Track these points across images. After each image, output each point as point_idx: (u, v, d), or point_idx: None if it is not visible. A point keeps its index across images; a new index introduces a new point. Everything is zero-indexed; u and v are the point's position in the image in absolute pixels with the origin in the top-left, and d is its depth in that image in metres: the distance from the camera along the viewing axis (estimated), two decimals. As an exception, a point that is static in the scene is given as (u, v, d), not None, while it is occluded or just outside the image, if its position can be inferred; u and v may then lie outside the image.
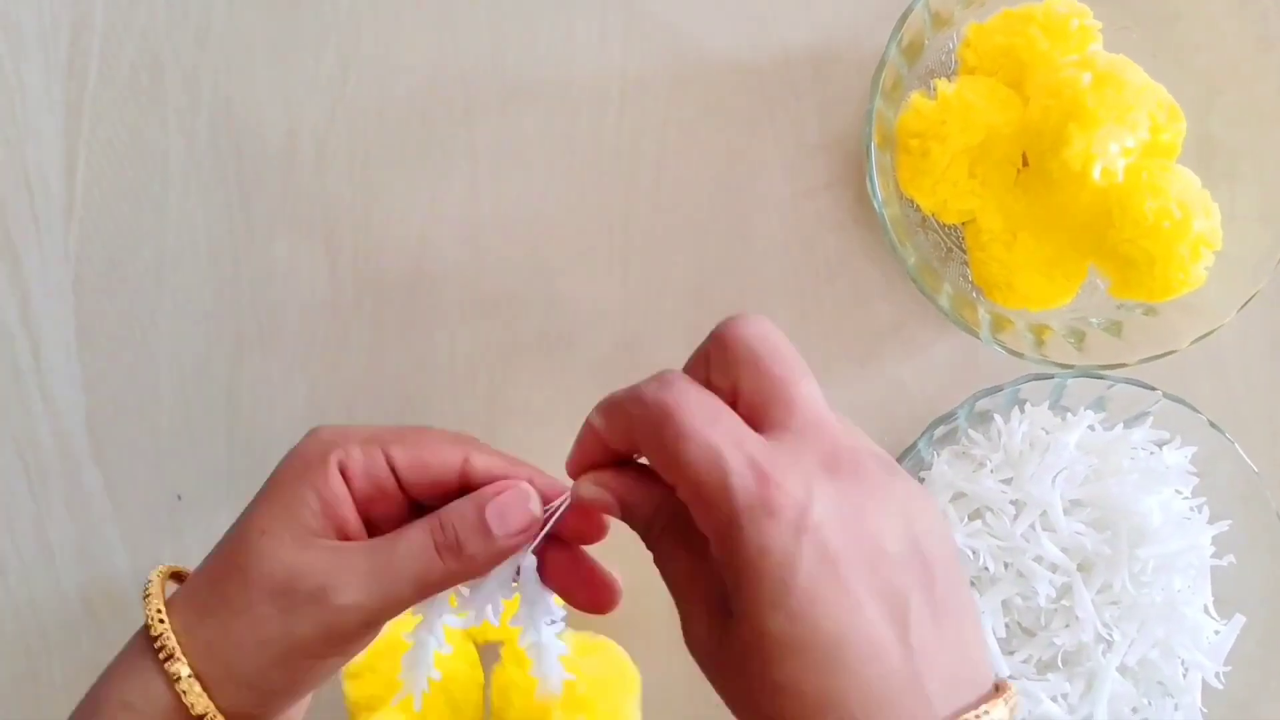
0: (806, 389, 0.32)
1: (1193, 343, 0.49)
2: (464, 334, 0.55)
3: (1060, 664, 0.49)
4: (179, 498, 0.55)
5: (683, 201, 0.55)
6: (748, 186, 0.55)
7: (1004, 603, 0.49)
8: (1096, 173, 0.47)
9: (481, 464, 0.36)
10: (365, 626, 0.34)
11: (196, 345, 0.55)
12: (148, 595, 0.35)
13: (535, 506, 0.35)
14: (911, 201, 0.53)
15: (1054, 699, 0.48)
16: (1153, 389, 0.49)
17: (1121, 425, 0.51)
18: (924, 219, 0.54)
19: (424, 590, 0.35)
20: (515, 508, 0.35)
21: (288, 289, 0.55)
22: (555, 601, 0.38)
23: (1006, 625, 0.49)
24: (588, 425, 0.34)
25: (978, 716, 0.29)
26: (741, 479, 0.29)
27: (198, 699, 0.33)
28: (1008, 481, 0.50)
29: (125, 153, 0.55)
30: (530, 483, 0.36)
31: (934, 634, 0.29)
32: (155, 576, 0.36)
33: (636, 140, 0.55)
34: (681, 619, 0.33)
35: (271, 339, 0.55)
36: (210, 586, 0.35)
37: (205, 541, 0.54)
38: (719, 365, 0.33)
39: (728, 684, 0.31)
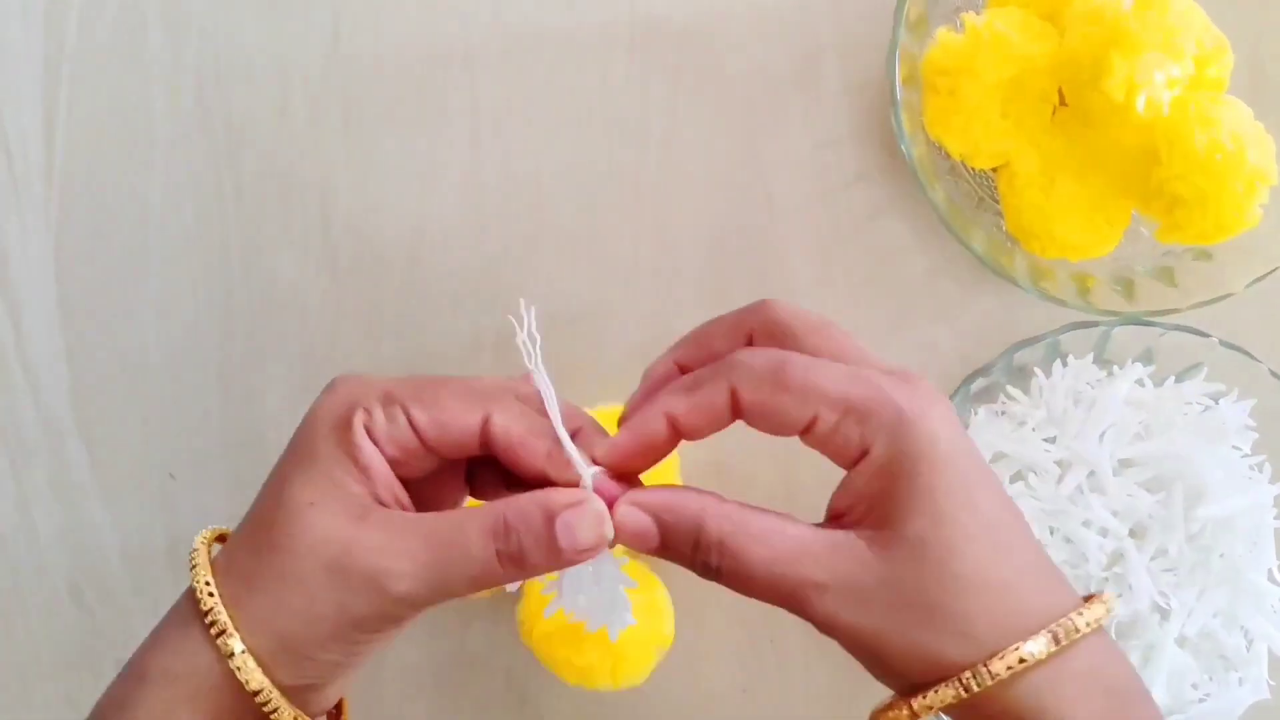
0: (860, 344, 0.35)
1: (1249, 285, 0.46)
2: (467, 299, 0.53)
3: (1114, 636, 0.46)
4: (172, 476, 0.53)
5: (697, 156, 0.52)
6: (765, 137, 0.52)
7: (1050, 571, 0.46)
8: (1140, 104, 0.44)
9: (502, 426, 0.34)
10: (414, 611, 0.34)
11: (185, 313, 0.53)
12: (194, 565, 0.34)
13: (608, 531, 0.33)
14: (939, 147, 0.50)
15: (1107, 674, 0.45)
16: (1207, 335, 0.46)
17: (1173, 379, 0.48)
18: (952, 166, 0.51)
19: (477, 589, 0.34)
20: (587, 527, 0.33)
21: (279, 254, 0.53)
22: (627, 594, 0.36)
23: (1053, 595, 0.46)
24: (658, 428, 0.34)
25: (1106, 603, 0.32)
26: (891, 382, 0.32)
27: (252, 674, 0.32)
28: (1051, 440, 0.47)
29: (107, 112, 0.53)
30: (550, 454, 0.34)
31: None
32: (201, 544, 0.35)
33: (647, 91, 0.52)
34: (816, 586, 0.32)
35: (263, 305, 0.53)
36: (257, 557, 0.33)
37: (200, 521, 0.52)
38: (773, 342, 0.34)
39: (891, 606, 0.31)
